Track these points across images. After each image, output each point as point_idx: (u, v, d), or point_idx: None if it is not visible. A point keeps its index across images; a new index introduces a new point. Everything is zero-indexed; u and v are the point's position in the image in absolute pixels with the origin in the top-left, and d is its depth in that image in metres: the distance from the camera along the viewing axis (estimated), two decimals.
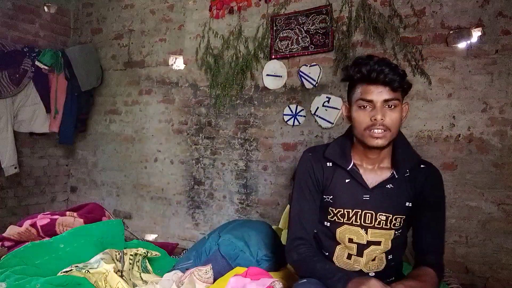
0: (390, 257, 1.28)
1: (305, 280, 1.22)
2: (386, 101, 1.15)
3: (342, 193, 1.27)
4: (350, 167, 1.26)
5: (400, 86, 1.15)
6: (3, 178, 3.34)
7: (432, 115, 2.43)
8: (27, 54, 3.33)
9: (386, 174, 1.25)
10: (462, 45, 2.34)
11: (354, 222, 1.25)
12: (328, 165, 1.30)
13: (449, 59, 2.39)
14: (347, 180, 1.27)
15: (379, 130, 1.15)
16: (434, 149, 2.42)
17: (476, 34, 2.28)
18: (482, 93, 2.30)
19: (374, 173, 1.26)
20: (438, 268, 1.22)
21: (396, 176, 1.24)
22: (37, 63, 3.33)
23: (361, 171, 1.26)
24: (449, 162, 2.38)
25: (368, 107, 1.17)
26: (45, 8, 3.58)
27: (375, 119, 1.14)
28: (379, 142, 1.17)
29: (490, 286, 2.26)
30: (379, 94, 1.15)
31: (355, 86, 1.21)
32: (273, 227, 1.99)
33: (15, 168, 3.30)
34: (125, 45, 3.64)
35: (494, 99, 2.28)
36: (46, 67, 3.35)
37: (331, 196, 1.28)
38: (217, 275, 1.50)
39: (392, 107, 1.16)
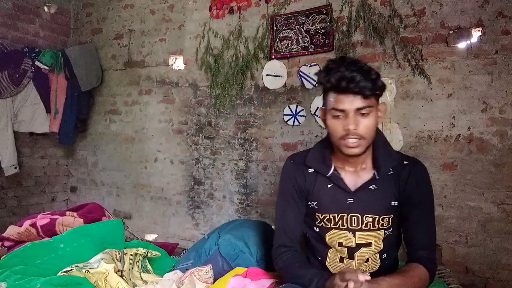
0: (384, 256, 1.28)
1: (282, 286, 1.23)
2: (358, 109, 1.12)
3: (326, 198, 1.26)
4: (330, 173, 1.25)
5: (373, 93, 1.11)
6: (3, 178, 3.34)
7: (432, 115, 2.43)
8: (27, 54, 3.33)
9: (368, 175, 1.24)
10: (462, 45, 2.34)
11: (341, 226, 1.25)
12: (310, 171, 1.30)
13: (449, 59, 2.39)
14: (329, 185, 1.26)
15: (353, 140, 1.14)
16: (434, 149, 2.42)
17: (476, 34, 2.29)
18: (482, 93, 2.31)
19: (356, 175, 1.25)
20: (430, 263, 1.19)
21: (377, 177, 1.23)
22: (37, 63, 3.33)
23: (342, 174, 1.25)
24: (449, 162, 2.38)
25: (341, 116, 1.14)
26: (45, 8, 3.57)
27: (347, 129, 1.12)
28: (355, 151, 1.16)
29: (490, 286, 2.26)
30: (350, 103, 1.11)
31: (328, 93, 1.17)
32: (273, 227, 1.99)
33: (15, 168, 3.30)
34: (125, 45, 3.64)
35: (494, 99, 2.28)
36: (46, 67, 3.35)
37: (316, 202, 1.28)
38: (217, 275, 1.49)
39: (366, 114, 1.13)
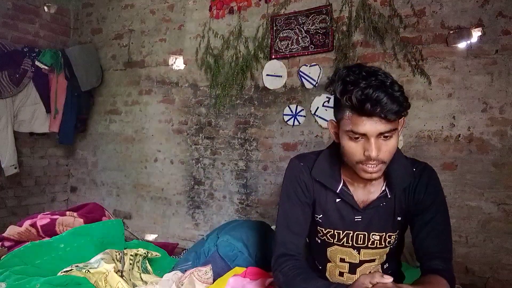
0: (386, 265, 1.23)
1: None
2: (381, 133, 0.98)
3: (332, 213, 1.17)
4: (339, 188, 1.15)
5: (399, 117, 0.99)
6: (3, 178, 3.34)
7: (432, 115, 2.43)
8: (27, 54, 3.33)
9: (378, 191, 1.15)
10: (462, 45, 2.34)
11: (345, 244, 1.18)
12: (318, 180, 1.18)
13: (449, 59, 2.39)
14: (337, 200, 1.16)
15: (373, 165, 1.02)
16: (434, 149, 2.42)
17: (476, 34, 2.29)
18: (482, 93, 2.30)
19: (367, 191, 1.15)
20: (447, 274, 1.05)
21: (389, 196, 1.14)
22: (37, 63, 3.33)
23: (351, 189, 1.15)
24: (449, 162, 2.38)
25: (360, 138, 1.01)
26: (45, 8, 3.58)
27: (369, 156, 0.99)
28: (373, 176, 1.04)
29: (490, 286, 2.26)
30: (373, 126, 0.97)
31: (343, 109, 1.01)
32: (272, 227, 1.99)
33: (15, 168, 3.30)
34: (125, 45, 3.64)
35: (494, 99, 2.28)
36: (46, 67, 3.35)
37: (321, 215, 1.19)
38: (216, 276, 1.49)
39: (389, 137, 1.00)
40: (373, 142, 0.98)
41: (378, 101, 0.93)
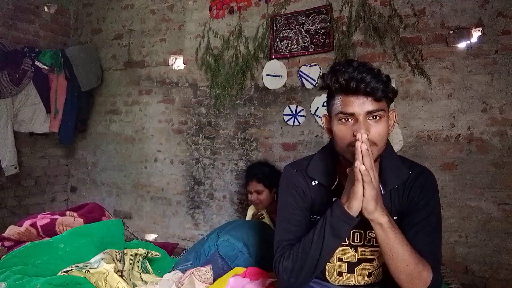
0: (386, 268, 1.20)
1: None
2: (369, 112, 1.02)
3: None
4: (334, 186, 1.17)
5: (385, 95, 1.02)
6: (3, 178, 3.34)
7: (432, 115, 2.43)
8: (27, 54, 3.33)
9: None
10: (462, 45, 2.34)
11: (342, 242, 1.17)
12: (313, 183, 1.20)
13: (449, 59, 2.39)
14: (333, 199, 1.16)
15: None
16: (434, 149, 2.42)
17: (476, 34, 2.29)
18: (482, 93, 2.31)
19: None
20: (434, 267, 1.06)
21: (383, 192, 1.14)
22: (37, 63, 3.33)
23: None
24: (449, 162, 2.38)
25: (349, 120, 1.04)
26: (45, 8, 3.58)
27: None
28: None
29: (490, 286, 2.26)
30: (361, 105, 1.01)
31: (334, 97, 1.08)
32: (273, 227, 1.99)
33: (15, 168, 3.30)
34: (125, 45, 3.64)
35: (494, 99, 2.28)
36: (46, 67, 3.35)
37: (319, 217, 1.16)
38: (216, 276, 1.49)
39: (377, 118, 1.03)
40: (361, 121, 1.02)
41: (363, 78, 0.99)
